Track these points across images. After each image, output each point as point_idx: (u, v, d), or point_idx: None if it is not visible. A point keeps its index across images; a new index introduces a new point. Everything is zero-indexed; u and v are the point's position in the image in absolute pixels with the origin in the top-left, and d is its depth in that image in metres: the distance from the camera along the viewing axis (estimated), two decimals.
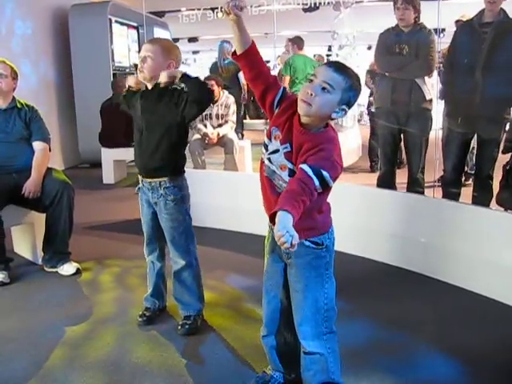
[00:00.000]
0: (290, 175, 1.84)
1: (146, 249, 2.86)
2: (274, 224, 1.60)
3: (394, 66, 4.07)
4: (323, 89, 1.77)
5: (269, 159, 1.92)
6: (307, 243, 1.89)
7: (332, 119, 1.86)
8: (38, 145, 3.65)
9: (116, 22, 8.21)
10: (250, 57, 1.92)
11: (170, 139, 2.59)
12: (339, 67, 1.83)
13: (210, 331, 2.74)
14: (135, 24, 8.94)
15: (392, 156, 4.28)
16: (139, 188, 2.76)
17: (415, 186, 4.06)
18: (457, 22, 4.55)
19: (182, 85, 2.51)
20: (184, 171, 2.73)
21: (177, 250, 2.71)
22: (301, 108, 1.81)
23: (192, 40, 13.10)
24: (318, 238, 1.91)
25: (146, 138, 2.62)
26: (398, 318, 2.86)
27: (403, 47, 3.99)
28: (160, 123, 2.58)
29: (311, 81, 1.81)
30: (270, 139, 1.92)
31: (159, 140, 2.58)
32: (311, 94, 1.77)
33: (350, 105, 1.84)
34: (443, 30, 4.43)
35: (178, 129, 2.61)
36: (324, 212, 1.93)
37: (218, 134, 5.63)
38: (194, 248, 2.78)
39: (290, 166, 1.85)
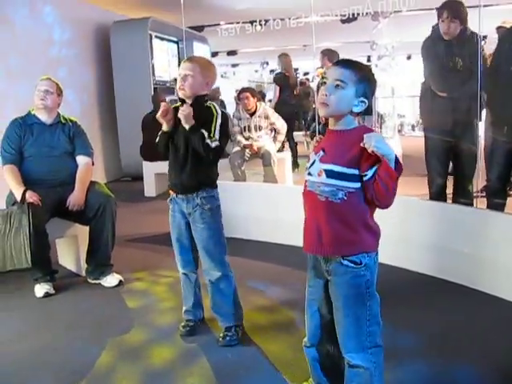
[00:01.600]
0: (328, 176, 1.85)
1: (179, 261, 2.85)
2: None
3: (452, 85, 3.85)
4: (336, 86, 1.83)
5: (309, 173, 1.94)
6: (345, 262, 1.87)
7: (355, 114, 1.88)
8: (81, 159, 3.74)
9: (156, 37, 8.35)
10: None
11: (196, 157, 2.61)
12: (346, 62, 1.89)
13: (250, 343, 2.73)
14: (175, 39, 9.08)
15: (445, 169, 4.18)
16: (171, 199, 2.78)
17: (465, 197, 3.97)
18: (498, 28, 4.45)
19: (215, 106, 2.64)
20: (216, 186, 2.75)
21: (212, 260, 2.71)
22: (321, 111, 1.88)
23: (231, 53, 13.23)
24: (356, 256, 1.87)
25: (182, 155, 2.65)
26: (439, 330, 2.80)
27: (457, 61, 3.81)
28: (190, 143, 2.61)
29: (324, 83, 1.87)
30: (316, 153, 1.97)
31: (193, 157, 2.61)
32: (326, 95, 1.84)
33: (367, 96, 1.87)
34: (485, 36, 4.31)
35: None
36: (370, 229, 1.90)
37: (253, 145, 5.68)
38: (227, 259, 2.78)
39: (324, 167, 1.86)
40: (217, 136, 2.59)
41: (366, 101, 1.87)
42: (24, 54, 6.45)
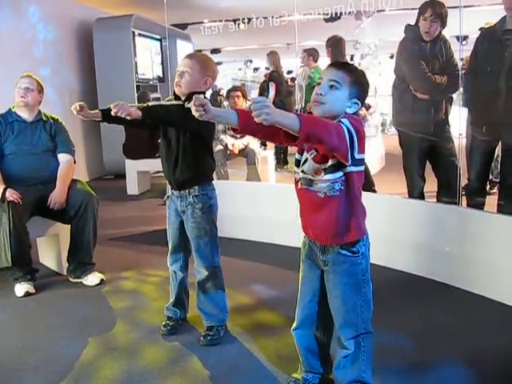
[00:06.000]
0: (328, 172, 1.89)
1: (169, 258, 2.86)
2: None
3: (433, 86, 3.86)
4: (331, 86, 1.90)
5: (302, 171, 1.98)
6: (343, 252, 1.97)
7: (348, 115, 1.91)
8: (63, 157, 3.71)
9: (139, 34, 8.30)
10: (248, 127, 1.85)
11: (194, 150, 2.61)
12: (341, 64, 2.01)
13: (233, 341, 2.73)
14: (158, 37, 9.04)
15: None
16: (168, 197, 2.79)
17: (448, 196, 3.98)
18: (481, 29, 4.49)
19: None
20: (212, 179, 2.75)
21: (201, 259, 2.72)
22: (315, 110, 1.92)
23: (214, 51, 13.22)
24: (353, 246, 1.96)
25: (173, 150, 2.64)
26: (422, 329, 2.83)
27: (435, 63, 3.85)
28: (184, 136, 2.60)
29: (319, 84, 1.96)
30: (301, 153, 2.01)
31: (185, 152, 2.61)
32: (321, 94, 1.90)
33: (360, 98, 1.94)
34: (466, 37, 4.35)
35: (201, 139, 2.63)
36: (358, 214, 1.97)
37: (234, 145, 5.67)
38: (219, 259, 2.77)
39: (322, 166, 1.91)
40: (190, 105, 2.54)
41: (359, 102, 1.93)
42: (6, 53, 6.38)
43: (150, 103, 2.62)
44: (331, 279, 2.02)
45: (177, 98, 2.68)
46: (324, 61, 6.69)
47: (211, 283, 2.75)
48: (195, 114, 1.79)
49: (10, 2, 6.67)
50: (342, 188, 1.89)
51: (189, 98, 2.57)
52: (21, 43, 6.83)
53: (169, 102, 2.64)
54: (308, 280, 2.12)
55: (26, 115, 3.66)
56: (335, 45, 5.73)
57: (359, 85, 1.94)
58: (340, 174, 1.88)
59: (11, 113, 3.66)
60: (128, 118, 2.34)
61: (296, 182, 2.03)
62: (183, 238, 2.77)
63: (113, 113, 2.35)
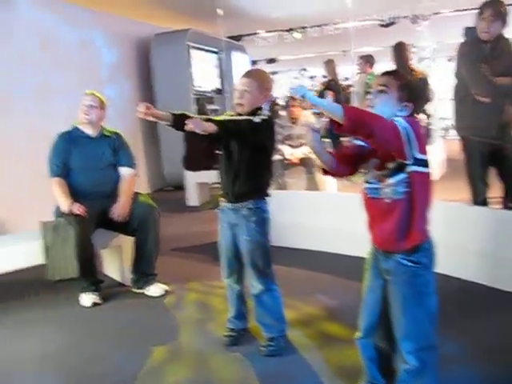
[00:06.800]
0: (391, 175, 1.91)
1: (224, 271, 2.86)
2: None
3: (496, 90, 3.67)
4: (380, 91, 1.98)
5: (368, 181, 2.01)
6: (404, 262, 1.94)
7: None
8: (125, 170, 3.81)
9: (195, 48, 8.44)
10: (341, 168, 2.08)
11: (255, 163, 2.63)
12: (388, 71, 2.08)
13: (294, 352, 2.72)
14: (214, 49, 9.15)
15: None
16: (220, 209, 2.80)
17: None
18: None
19: (265, 112, 2.61)
20: (268, 194, 2.75)
21: (255, 273, 2.71)
22: None
23: (270, 61, 13.27)
24: (413, 255, 1.94)
25: (233, 163, 2.66)
26: (493, 340, 2.72)
27: (497, 65, 3.65)
28: (246, 148, 2.62)
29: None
30: None
31: (246, 165, 2.62)
32: (371, 99, 2.00)
33: (412, 100, 1.97)
34: None
35: (262, 152, 2.66)
36: (419, 219, 1.94)
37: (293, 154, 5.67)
38: (272, 271, 2.76)
39: (385, 172, 1.93)
40: (258, 119, 2.58)
41: (411, 105, 1.96)
42: (69, 70, 6.65)
43: (223, 117, 2.67)
44: (392, 290, 1.99)
45: (239, 114, 2.71)
46: (381, 66, 6.63)
47: (267, 296, 2.74)
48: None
49: (79, 34, 6.99)
50: (407, 190, 1.88)
51: (252, 113, 2.61)
52: (87, 67, 7.12)
53: (241, 118, 2.65)
54: (372, 289, 2.10)
55: (89, 131, 3.78)
56: (395, 50, 5.66)
57: (408, 88, 1.99)
58: (403, 175, 1.88)
59: (75, 129, 3.79)
60: (202, 133, 2.39)
61: (362, 193, 2.04)
62: (237, 251, 2.76)
63: (188, 129, 2.41)
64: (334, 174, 2.15)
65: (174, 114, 2.66)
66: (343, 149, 2.18)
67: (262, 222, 2.69)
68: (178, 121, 2.60)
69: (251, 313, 2.89)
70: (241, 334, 2.91)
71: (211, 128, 2.42)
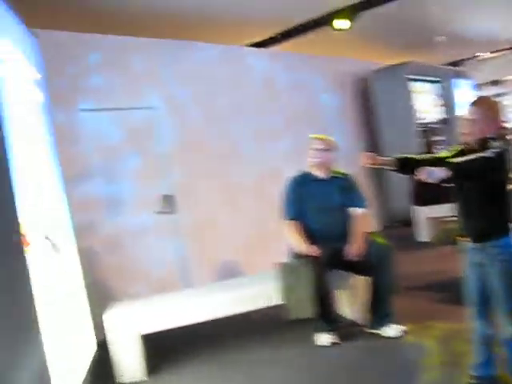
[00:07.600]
0: None
1: (472, 314, 2.70)
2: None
3: None
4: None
5: None
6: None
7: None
8: (358, 211, 3.86)
9: (414, 79, 8.31)
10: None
11: (492, 200, 2.51)
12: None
13: None
14: (434, 78, 8.89)
15: None
16: (463, 249, 2.67)
17: None
18: None
19: (496, 144, 2.45)
20: (508, 232, 2.57)
21: (504, 315, 2.53)
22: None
23: (494, 83, 12.52)
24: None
25: (469, 202, 2.56)
26: None
27: None
28: (481, 186, 2.51)
29: None
30: None
31: (482, 203, 2.52)
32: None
33: None
34: None
35: (497, 187, 2.53)
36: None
37: None
38: None
39: None
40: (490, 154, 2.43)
41: None
42: (288, 113, 6.99)
43: (446, 153, 2.65)
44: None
45: (465, 144, 2.63)
46: None
47: None
48: None
49: (296, 78, 7.32)
50: None
51: (481, 144, 2.49)
52: (307, 115, 7.35)
53: (473, 157, 2.51)
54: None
55: (319, 173, 3.92)
56: None
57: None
58: None
59: (306, 172, 3.96)
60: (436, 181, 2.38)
61: None
62: (483, 291, 2.61)
63: (421, 178, 2.39)
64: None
65: (397, 159, 2.68)
66: None
67: (510, 260, 2.51)
68: (403, 165, 2.66)
69: (500, 359, 2.66)
70: (488, 382, 2.68)
71: (444, 174, 2.38)
